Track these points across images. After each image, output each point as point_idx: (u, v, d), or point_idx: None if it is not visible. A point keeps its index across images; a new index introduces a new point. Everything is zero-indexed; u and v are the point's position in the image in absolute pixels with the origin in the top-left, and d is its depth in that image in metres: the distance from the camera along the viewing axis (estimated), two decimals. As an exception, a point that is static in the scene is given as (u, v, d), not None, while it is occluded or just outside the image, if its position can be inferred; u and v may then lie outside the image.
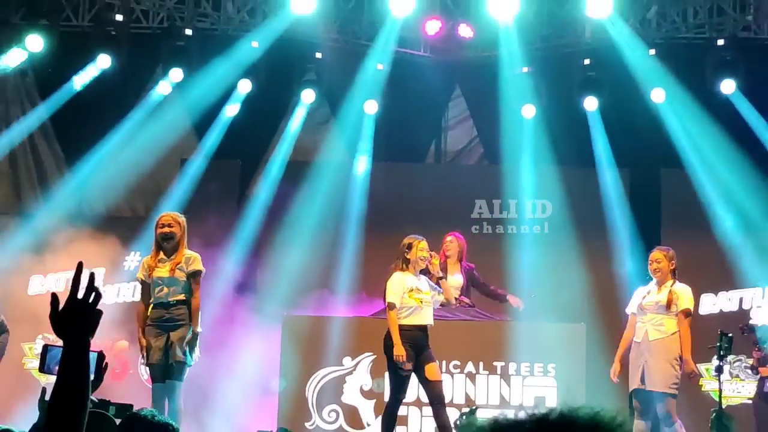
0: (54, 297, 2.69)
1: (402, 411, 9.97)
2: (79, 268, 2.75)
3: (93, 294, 2.72)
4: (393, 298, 8.63)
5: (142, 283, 8.64)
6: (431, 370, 8.69)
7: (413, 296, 8.65)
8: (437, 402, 8.73)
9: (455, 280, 10.34)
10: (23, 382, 11.37)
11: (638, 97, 12.46)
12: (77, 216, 12.45)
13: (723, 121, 12.34)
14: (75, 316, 2.68)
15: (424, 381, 8.76)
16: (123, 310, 12.43)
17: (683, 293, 8.75)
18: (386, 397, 9.72)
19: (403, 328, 8.58)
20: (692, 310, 8.86)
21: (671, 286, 8.75)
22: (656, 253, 8.93)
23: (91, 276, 2.76)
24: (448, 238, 10.42)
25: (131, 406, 6.10)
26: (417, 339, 8.65)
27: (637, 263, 12.20)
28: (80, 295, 2.72)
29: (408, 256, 8.72)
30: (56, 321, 2.69)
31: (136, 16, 12.94)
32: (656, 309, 8.70)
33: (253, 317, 11.89)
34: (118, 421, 4.78)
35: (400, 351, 8.49)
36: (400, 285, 8.65)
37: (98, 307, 2.72)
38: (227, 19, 13.09)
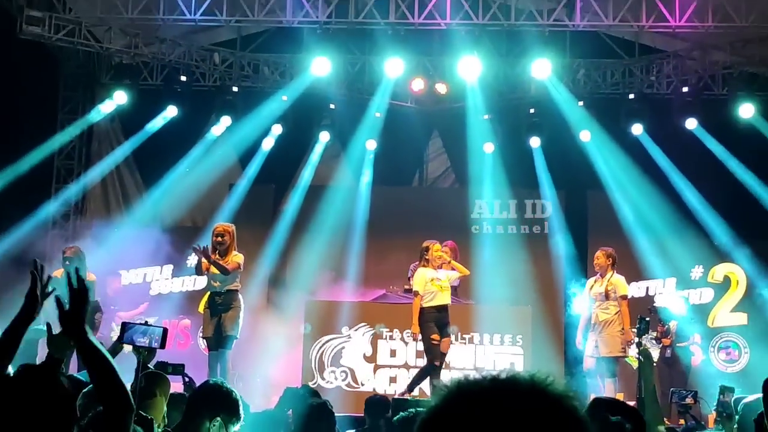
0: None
1: (392, 372, 10.00)
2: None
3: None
4: (417, 288, 8.67)
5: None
6: (444, 343, 8.70)
7: (434, 284, 8.64)
8: (437, 368, 8.73)
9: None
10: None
11: (570, 137, 12.51)
12: (152, 226, 12.44)
13: (633, 155, 12.41)
14: (73, 317, 2.53)
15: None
16: (186, 297, 12.45)
17: (619, 283, 8.84)
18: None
19: (429, 310, 8.58)
20: (627, 294, 8.97)
21: (610, 278, 8.82)
22: (597, 252, 9.09)
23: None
24: (444, 249, 10.30)
25: (183, 365, 5.99)
26: (440, 318, 8.65)
27: (569, 262, 12.26)
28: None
29: (427, 257, 8.76)
30: (63, 323, 2.53)
31: (196, 77, 12.98)
32: (600, 298, 8.82)
33: (282, 301, 11.88)
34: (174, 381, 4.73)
35: (415, 330, 8.56)
36: (422, 277, 8.66)
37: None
38: (264, 79, 13.13)
